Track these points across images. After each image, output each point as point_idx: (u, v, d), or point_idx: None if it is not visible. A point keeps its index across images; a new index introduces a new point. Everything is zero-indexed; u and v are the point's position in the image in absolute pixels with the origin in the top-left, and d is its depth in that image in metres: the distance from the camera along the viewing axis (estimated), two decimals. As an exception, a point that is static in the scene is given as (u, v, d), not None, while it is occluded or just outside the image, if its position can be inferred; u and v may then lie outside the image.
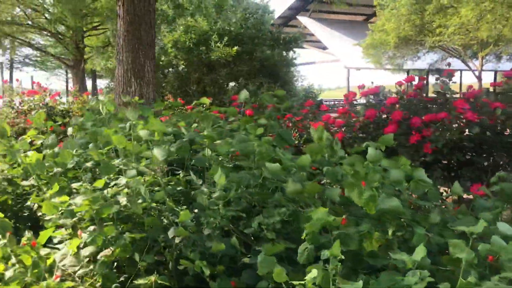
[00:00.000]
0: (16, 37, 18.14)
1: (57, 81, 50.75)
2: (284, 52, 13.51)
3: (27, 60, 40.80)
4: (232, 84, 13.20)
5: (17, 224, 3.60)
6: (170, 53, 12.53)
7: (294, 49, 14.03)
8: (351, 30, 35.53)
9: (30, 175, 3.77)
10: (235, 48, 12.01)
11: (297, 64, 13.95)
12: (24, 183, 3.31)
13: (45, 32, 17.65)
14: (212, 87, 12.67)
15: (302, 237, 2.31)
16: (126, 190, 2.70)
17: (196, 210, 2.72)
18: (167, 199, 2.60)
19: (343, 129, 4.07)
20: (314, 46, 37.09)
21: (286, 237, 2.57)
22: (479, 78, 27.36)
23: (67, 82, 48.75)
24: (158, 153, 2.70)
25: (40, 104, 8.21)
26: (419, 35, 24.52)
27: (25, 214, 3.72)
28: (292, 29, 31.50)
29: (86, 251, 2.43)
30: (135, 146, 2.79)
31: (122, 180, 2.77)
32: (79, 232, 2.57)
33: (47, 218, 2.60)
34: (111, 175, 2.83)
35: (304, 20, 35.24)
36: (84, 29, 17.89)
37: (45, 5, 16.80)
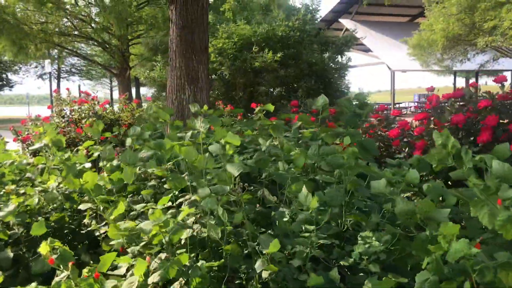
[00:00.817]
0: (64, 47, 18.44)
1: (101, 90, 51.99)
2: (335, 55, 13.01)
3: (73, 70, 41.98)
4: (278, 89, 12.80)
5: (75, 242, 3.36)
6: (215, 61, 12.29)
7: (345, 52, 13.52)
8: (395, 31, 34.62)
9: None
10: (279, 54, 11.63)
11: (350, 68, 13.40)
12: (81, 206, 3.02)
13: (92, 42, 17.85)
14: (258, 93, 12.32)
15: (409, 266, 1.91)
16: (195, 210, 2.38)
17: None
18: (247, 222, 2.25)
19: (425, 137, 3.62)
20: (356, 48, 36.35)
21: (385, 266, 2.18)
22: (534, 78, 25.98)
23: (111, 90, 49.81)
24: (232, 168, 2.36)
25: (90, 113, 8.08)
26: (468, 35, 23.53)
27: (83, 231, 3.47)
28: (335, 32, 30.95)
29: (154, 278, 2.10)
30: (208, 160, 2.45)
31: (191, 198, 2.45)
32: (147, 258, 2.26)
33: (112, 242, 2.30)
34: (176, 192, 2.50)
35: (346, 22, 34.59)
36: (129, 38, 17.99)
37: (91, 15, 16.99)
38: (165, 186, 2.59)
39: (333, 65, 12.94)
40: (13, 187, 3.42)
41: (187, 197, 2.44)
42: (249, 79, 12.49)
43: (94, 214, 3.18)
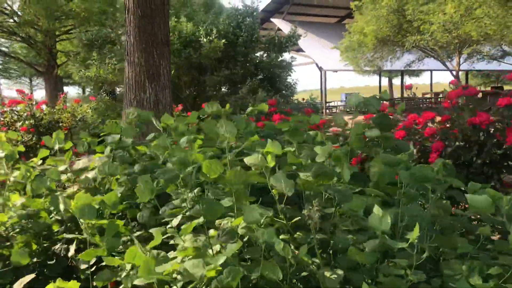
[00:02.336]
0: (-19, 42, 16.75)
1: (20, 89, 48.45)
2: (280, 54, 12.73)
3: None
4: (224, 88, 12.32)
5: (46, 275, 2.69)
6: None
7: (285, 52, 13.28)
8: (325, 32, 35.29)
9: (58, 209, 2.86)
10: (223, 40, 11.12)
11: (296, 66, 13.17)
12: (68, 236, 2.36)
13: (14, 37, 16.31)
14: (206, 91, 11.76)
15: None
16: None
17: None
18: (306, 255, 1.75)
19: (441, 139, 3.30)
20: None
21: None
22: (456, 77, 27.38)
23: (31, 90, 46.76)
24: (281, 184, 1.85)
25: (25, 115, 7.14)
26: (397, 35, 24.29)
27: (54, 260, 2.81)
28: (267, 32, 30.87)
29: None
30: (242, 174, 1.92)
31: (226, 224, 1.92)
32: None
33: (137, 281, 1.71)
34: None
35: (278, 22, 34.71)
36: (57, 33, 16.66)
37: (13, 8, 15.53)
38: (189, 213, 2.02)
39: (278, 63, 12.66)
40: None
41: (222, 223, 1.90)
42: (194, 78, 11.89)
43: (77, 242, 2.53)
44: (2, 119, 7.27)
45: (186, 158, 1.99)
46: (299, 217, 1.91)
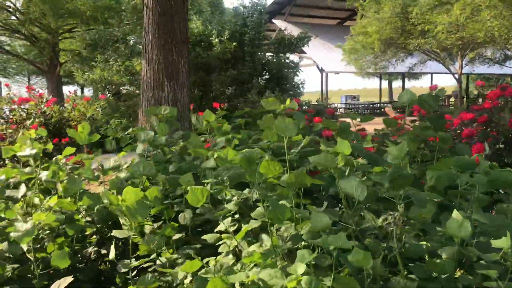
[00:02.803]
0: (-17, 40, 16.56)
1: (18, 88, 48.22)
2: (289, 54, 12.63)
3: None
4: (232, 88, 12.16)
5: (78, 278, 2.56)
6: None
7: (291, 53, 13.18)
8: (326, 33, 35.18)
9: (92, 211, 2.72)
10: (234, 43, 11.00)
11: (300, 67, 13.06)
12: (117, 234, 2.22)
13: (18, 35, 16.13)
14: (213, 91, 11.62)
15: None
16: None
17: None
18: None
19: (478, 140, 3.19)
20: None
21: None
22: (459, 80, 27.38)
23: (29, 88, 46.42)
24: (352, 187, 1.73)
25: (35, 113, 7.00)
26: (400, 37, 24.24)
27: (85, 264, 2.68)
28: (268, 32, 30.78)
29: None
30: (303, 176, 1.79)
31: (289, 229, 1.79)
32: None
33: None
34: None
35: (280, 23, 34.63)
36: (60, 31, 16.50)
37: (17, 5, 15.37)
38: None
39: (286, 64, 12.54)
40: (-9, 211, 2.55)
41: (283, 227, 1.77)
42: (202, 78, 11.75)
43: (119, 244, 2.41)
44: (11, 116, 7.12)
45: (252, 156, 1.86)
46: (368, 223, 1.79)
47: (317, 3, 35.28)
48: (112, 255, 2.28)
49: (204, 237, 2.00)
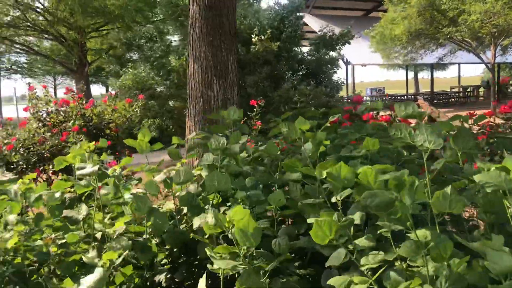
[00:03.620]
0: (14, 41, 16.46)
1: (42, 88, 48.66)
2: (328, 50, 12.21)
3: (13, 67, 38.82)
4: (267, 82, 11.76)
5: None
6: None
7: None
8: (352, 25, 34.52)
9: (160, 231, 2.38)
10: (277, 43, 10.64)
11: (338, 64, 12.65)
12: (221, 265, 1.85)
13: (46, 35, 16.04)
14: (247, 87, 11.26)
15: None
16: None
17: None
18: None
19: None
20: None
21: None
22: (491, 70, 26.48)
23: (55, 88, 47.02)
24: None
25: (74, 115, 6.74)
26: (430, 28, 23.55)
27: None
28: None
29: None
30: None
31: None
32: None
33: None
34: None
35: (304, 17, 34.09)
36: (88, 30, 16.36)
37: (46, 6, 15.26)
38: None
39: (324, 59, 12.12)
40: (53, 235, 2.23)
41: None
42: (242, 75, 11.42)
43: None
44: (48, 119, 6.88)
45: (402, 178, 1.48)
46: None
47: (341, -6, 34.71)
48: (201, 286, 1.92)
49: (331, 282, 1.62)
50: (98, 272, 1.66)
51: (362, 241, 1.64)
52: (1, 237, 2.00)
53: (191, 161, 3.85)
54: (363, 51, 28.55)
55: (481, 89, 39.05)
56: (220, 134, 2.89)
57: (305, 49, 12.98)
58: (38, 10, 15.12)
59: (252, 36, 10.73)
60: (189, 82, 5.06)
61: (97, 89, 42.41)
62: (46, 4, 15.47)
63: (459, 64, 40.98)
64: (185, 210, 2.61)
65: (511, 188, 1.37)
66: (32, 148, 6.23)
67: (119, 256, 1.94)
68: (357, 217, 1.73)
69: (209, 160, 2.65)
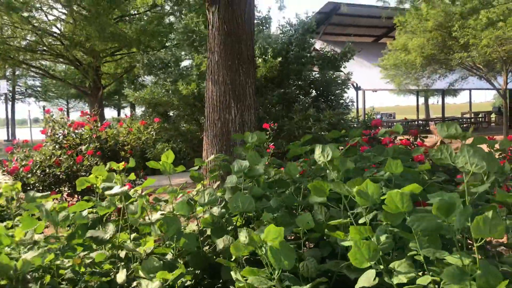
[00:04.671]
0: (30, 65, 16.78)
1: (57, 112, 49.32)
2: (333, 71, 12.26)
3: (28, 91, 39.50)
4: (278, 107, 11.83)
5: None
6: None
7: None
8: (362, 51, 34.78)
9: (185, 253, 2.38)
10: (279, 59, 10.70)
11: (348, 84, 12.67)
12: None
13: (62, 59, 16.34)
14: (259, 111, 11.32)
15: None
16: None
17: None
18: None
19: None
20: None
21: None
22: (504, 96, 26.43)
23: (67, 111, 47.62)
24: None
25: (90, 137, 6.82)
26: (441, 53, 23.67)
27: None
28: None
29: None
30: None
31: None
32: None
33: None
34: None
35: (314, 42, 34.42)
36: (102, 55, 16.64)
37: (63, 31, 15.59)
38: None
39: (332, 80, 12.17)
40: (82, 254, 2.24)
41: None
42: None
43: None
44: (65, 142, 6.96)
45: (453, 202, 1.48)
46: None
47: (352, 21, 35.09)
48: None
49: None
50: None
51: (401, 266, 1.62)
52: (32, 255, 2.01)
53: (210, 184, 3.87)
54: (374, 76, 28.74)
55: (493, 115, 38.95)
56: (244, 155, 2.91)
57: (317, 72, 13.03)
58: (54, 34, 15.42)
59: (257, 56, 10.83)
60: (207, 105, 5.12)
61: (109, 112, 42.81)
62: (62, 29, 15.79)
63: (470, 90, 40.98)
64: (208, 231, 2.61)
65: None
66: (48, 170, 6.29)
67: (176, 276, 1.94)
68: (388, 240, 1.72)
69: (233, 182, 2.66)
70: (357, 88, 32.22)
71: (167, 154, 2.98)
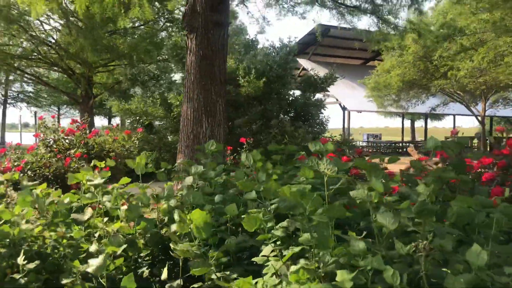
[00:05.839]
0: (25, 72, 17.47)
1: (48, 118, 49.72)
2: (314, 93, 13.12)
3: (20, 96, 40.05)
4: (258, 123, 12.62)
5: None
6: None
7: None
8: (350, 73, 35.65)
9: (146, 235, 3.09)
10: (262, 80, 11.51)
11: (325, 105, 13.50)
12: (182, 247, 2.56)
13: (56, 67, 17.05)
14: (238, 126, 12.09)
15: None
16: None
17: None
18: None
19: (497, 183, 3.49)
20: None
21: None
22: (482, 123, 27.45)
23: (58, 118, 47.99)
24: (385, 219, 2.06)
25: (78, 143, 7.50)
26: (422, 79, 24.65)
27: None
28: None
29: None
30: (341, 210, 2.14)
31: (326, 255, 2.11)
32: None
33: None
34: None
35: (303, 62, 35.35)
36: (94, 66, 17.35)
37: (59, 42, 16.34)
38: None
39: (312, 102, 12.99)
40: (64, 229, 2.94)
41: (321, 253, 2.09)
42: (229, 113, 12.25)
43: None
44: (55, 146, 7.63)
45: (305, 191, 2.22)
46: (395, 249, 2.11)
47: (341, 44, 35.94)
48: (164, 275, 2.63)
49: (255, 259, 2.34)
50: (100, 258, 2.37)
51: (277, 232, 2.36)
52: (26, 228, 2.71)
53: (175, 184, 4.57)
54: (359, 97, 29.56)
55: (475, 140, 39.97)
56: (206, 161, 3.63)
57: (298, 92, 13.85)
58: (50, 44, 16.14)
59: (238, 78, 11.60)
60: (182, 119, 5.85)
61: (98, 121, 43.26)
62: (58, 39, 16.53)
63: (454, 115, 42.09)
64: (166, 219, 3.32)
65: (371, 202, 2.10)
66: (38, 171, 6.96)
67: (119, 246, 2.64)
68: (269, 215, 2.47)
69: (189, 181, 3.38)
70: (343, 109, 33.06)
71: (141, 156, 3.70)
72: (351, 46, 35.61)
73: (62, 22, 16.54)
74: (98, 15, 12.50)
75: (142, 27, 16.96)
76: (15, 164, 6.91)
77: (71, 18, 15.84)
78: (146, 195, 3.20)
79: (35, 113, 26.68)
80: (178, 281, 2.76)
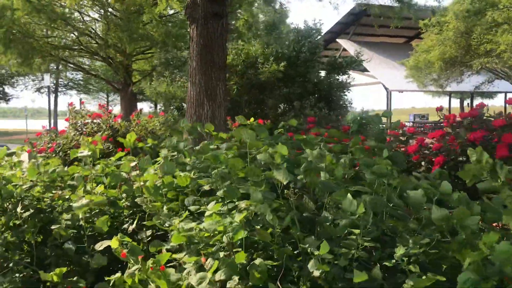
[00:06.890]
0: (68, 61, 18.69)
1: (96, 104, 52.18)
2: (339, 75, 13.39)
3: (70, 84, 42.26)
4: (283, 106, 13.10)
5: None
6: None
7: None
8: (392, 52, 35.18)
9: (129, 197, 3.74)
10: (282, 64, 11.91)
11: (350, 87, 13.76)
12: (139, 200, 3.22)
13: (96, 56, 18.13)
14: (263, 109, 12.63)
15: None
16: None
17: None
18: (295, 226, 2.48)
19: (443, 153, 3.88)
20: (352, 68, 36.86)
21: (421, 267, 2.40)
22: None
23: (107, 104, 50.06)
24: (280, 175, 2.59)
25: (105, 126, 8.29)
26: (464, 56, 24.05)
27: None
28: (332, 52, 31.24)
29: (220, 275, 2.30)
30: (255, 170, 2.69)
31: (242, 204, 2.67)
32: (202, 258, 2.47)
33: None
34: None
35: (344, 43, 35.18)
36: (133, 54, 18.27)
37: (97, 32, 17.36)
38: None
39: (335, 84, 13.28)
40: (60, 192, 3.63)
41: (241, 204, 2.65)
42: (254, 96, 12.78)
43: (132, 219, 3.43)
44: (84, 129, 8.47)
45: (217, 155, 2.79)
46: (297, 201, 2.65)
47: (382, 22, 35.36)
48: (132, 226, 3.28)
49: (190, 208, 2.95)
50: (80, 203, 3.04)
51: (206, 186, 2.96)
52: (25, 187, 3.44)
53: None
54: (401, 77, 29.14)
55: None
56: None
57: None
58: (91, 35, 17.19)
59: (258, 62, 12.07)
60: (187, 102, 6.49)
61: (146, 106, 44.94)
62: (97, 30, 17.58)
63: (505, 93, 40.74)
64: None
65: (273, 163, 2.64)
66: (68, 152, 7.80)
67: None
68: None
69: (165, 154, 4.01)
70: (386, 89, 32.74)
71: (131, 134, 4.37)
72: (395, 24, 35.06)
73: (100, 13, 17.56)
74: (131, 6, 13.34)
75: (176, 14, 17.69)
76: (48, 146, 7.78)
77: (109, 10, 16.87)
78: (128, 164, 3.84)
79: (80, 100, 28.40)
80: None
